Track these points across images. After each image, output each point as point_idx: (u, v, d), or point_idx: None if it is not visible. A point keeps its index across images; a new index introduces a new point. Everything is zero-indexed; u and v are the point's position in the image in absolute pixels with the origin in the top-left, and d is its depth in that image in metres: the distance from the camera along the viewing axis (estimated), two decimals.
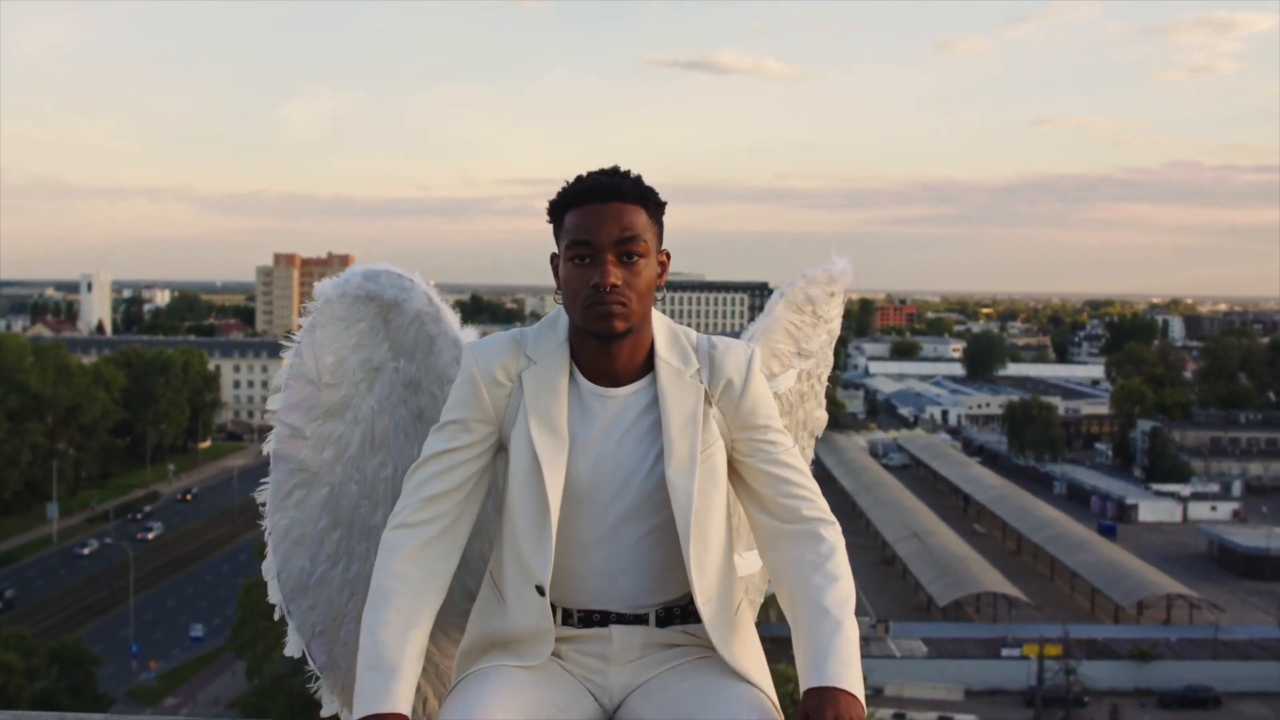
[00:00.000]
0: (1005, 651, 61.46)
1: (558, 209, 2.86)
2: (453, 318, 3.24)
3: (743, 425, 2.90)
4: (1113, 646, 62.48)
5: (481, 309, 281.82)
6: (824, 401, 3.80)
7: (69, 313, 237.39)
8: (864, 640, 50.85)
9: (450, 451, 2.86)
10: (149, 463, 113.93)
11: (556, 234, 2.88)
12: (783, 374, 3.56)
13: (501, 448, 2.92)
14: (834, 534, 2.88)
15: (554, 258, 2.91)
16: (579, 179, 2.84)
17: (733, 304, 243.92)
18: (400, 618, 2.77)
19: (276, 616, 3.40)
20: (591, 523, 2.85)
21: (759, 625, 3.34)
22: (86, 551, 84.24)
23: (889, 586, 77.10)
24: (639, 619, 2.91)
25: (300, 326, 3.26)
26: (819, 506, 2.89)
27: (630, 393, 2.88)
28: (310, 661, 3.43)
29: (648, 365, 2.89)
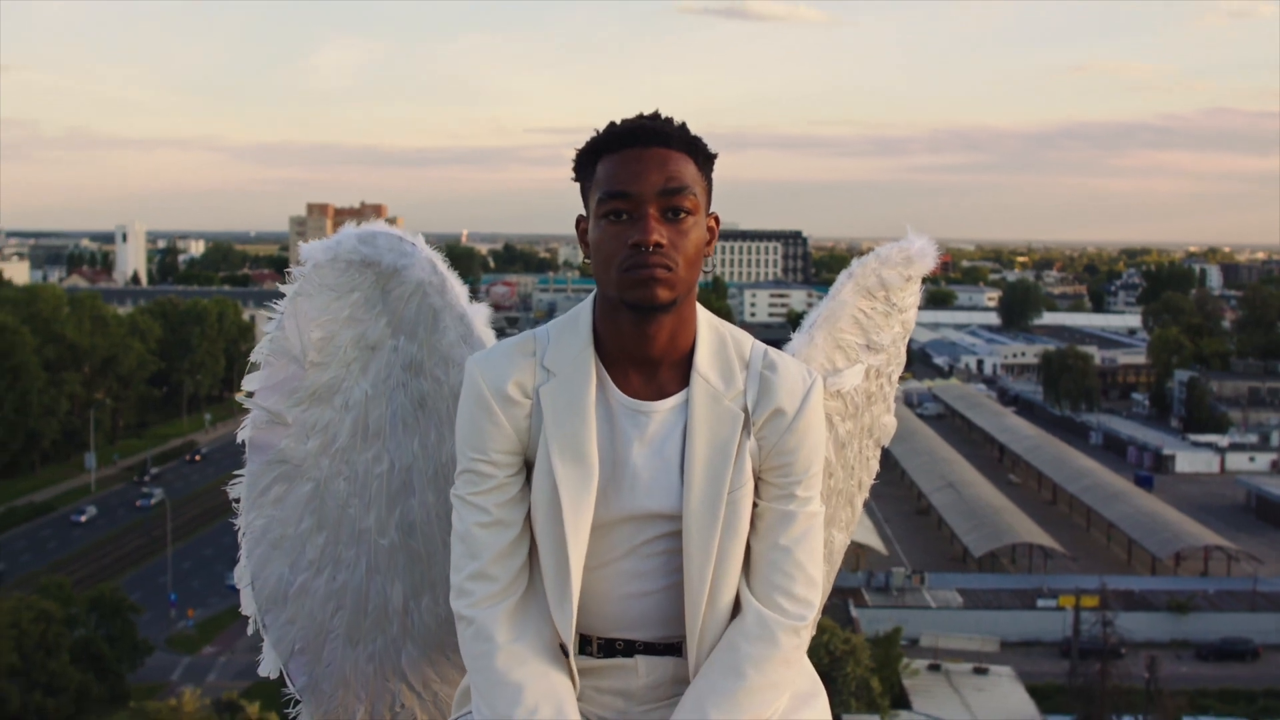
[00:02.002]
0: (1041, 603, 61.12)
1: (587, 159, 2.39)
2: (460, 289, 2.80)
3: (776, 466, 2.43)
4: (1149, 598, 62.01)
5: (515, 258, 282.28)
6: (893, 405, 3.27)
7: (105, 263, 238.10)
8: (899, 591, 50.95)
9: (488, 492, 2.41)
10: (185, 412, 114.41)
11: (585, 192, 2.41)
12: (848, 369, 3.05)
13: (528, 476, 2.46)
14: (790, 640, 2.40)
15: (581, 221, 2.45)
16: (613, 124, 2.37)
17: (765, 253, 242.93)
18: (547, 702, 2.32)
19: (250, 630, 2.98)
20: (615, 542, 2.42)
21: None
22: (83, 519, 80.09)
23: (924, 537, 76.79)
24: (670, 649, 2.47)
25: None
26: (799, 599, 2.41)
27: (669, 408, 2.41)
28: (289, 684, 3.02)
29: (689, 372, 2.43)
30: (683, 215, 2.33)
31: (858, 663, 43.16)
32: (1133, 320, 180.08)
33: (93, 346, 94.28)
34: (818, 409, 2.47)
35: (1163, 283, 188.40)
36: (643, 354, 2.40)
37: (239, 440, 2.89)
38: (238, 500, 2.93)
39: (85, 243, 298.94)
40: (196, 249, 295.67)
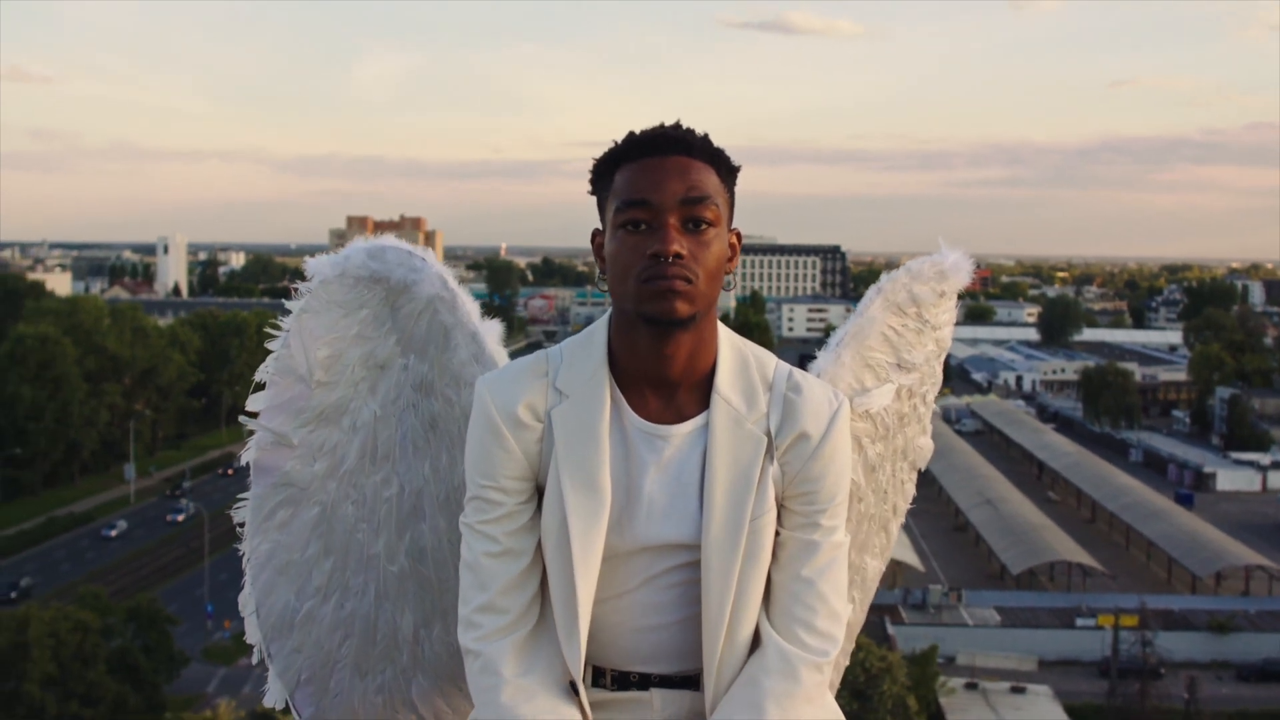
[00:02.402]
0: (1080, 621, 60.44)
1: (605, 169, 2.28)
2: (472, 306, 2.68)
3: (800, 493, 2.30)
4: (1190, 618, 61.27)
5: (553, 271, 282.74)
6: (929, 427, 3.09)
7: (146, 275, 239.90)
8: (936, 608, 50.67)
9: (497, 521, 2.29)
10: (225, 424, 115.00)
11: (601, 205, 2.30)
12: (877, 389, 2.89)
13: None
14: (812, 676, 2.26)
15: (597, 235, 2.33)
16: (632, 134, 2.27)
17: (804, 267, 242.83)
18: None
19: (255, 659, 2.88)
20: (631, 573, 2.30)
21: None
22: (114, 533, 78.63)
23: (961, 554, 76.31)
24: (687, 682, 2.34)
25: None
26: (822, 634, 2.28)
27: (687, 432, 2.29)
28: (295, 715, 2.91)
29: (709, 394, 2.29)
30: (704, 226, 2.22)
31: (894, 680, 42.88)
32: (1174, 337, 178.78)
33: (133, 358, 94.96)
34: (844, 433, 2.35)
35: (1204, 299, 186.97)
36: (660, 374, 2.28)
37: (243, 462, 2.80)
38: (242, 524, 2.84)
39: (127, 254, 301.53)
40: (237, 261, 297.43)
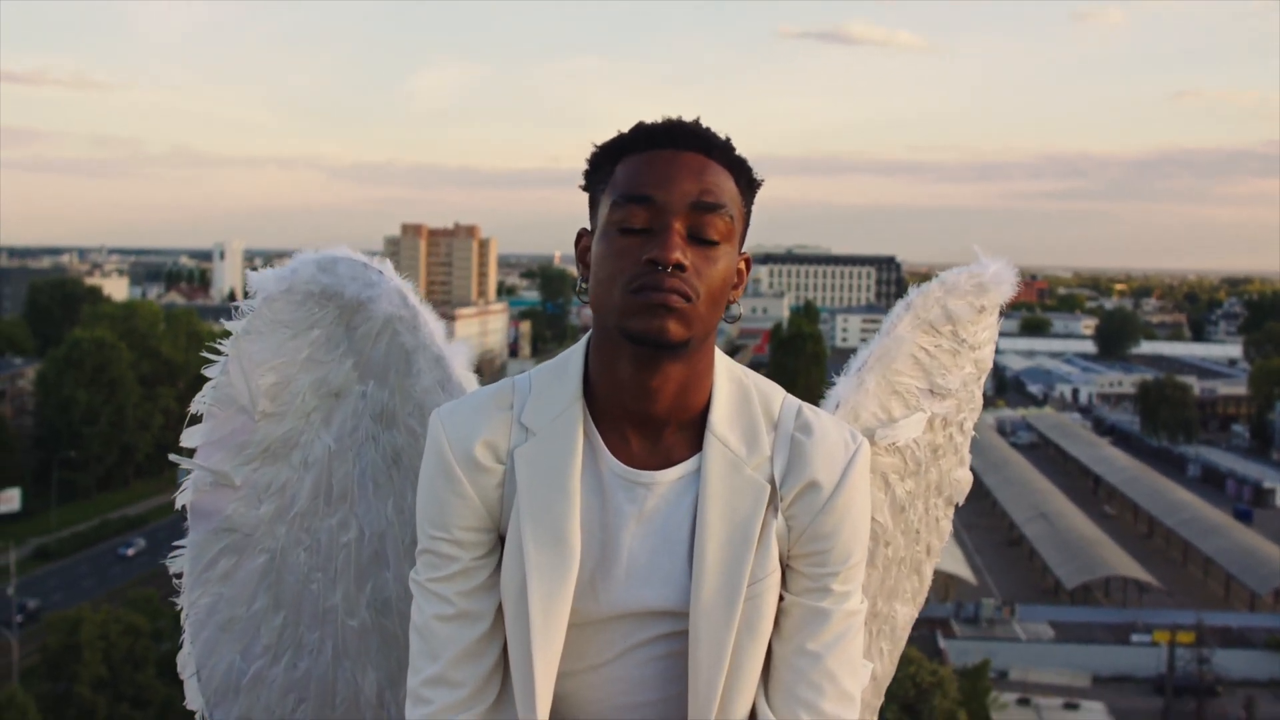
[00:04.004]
0: (1135, 637, 59.68)
1: (604, 159, 1.92)
2: (435, 325, 2.34)
3: (808, 553, 1.93)
4: (1248, 635, 60.44)
5: None
6: (967, 458, 2.68)
7: (202, 281, 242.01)
8: (989, 622, 50.07)
9: (450, 579, 1.94)
10: None
11: (594, 201, 1.93)
12: (906, 420, 2.48)
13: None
14: None
15: (583, 235, 1.96)
16: (641, 123, 1.90)
17: (859, 278, 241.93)
18: None
19: None
20: (608, 643, 1.95)
21: None
22: (131, 552, 76.16)
23: (1015, 568, 75.59)
24: None
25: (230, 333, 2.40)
26: (828, 717, 1.91)
27: (675, 479, 1.92)
28: None
29: (702, 434, 1.92)
30: (714, 239, 1.84)
31: (945, 695, 42.33)
32: (1233, 350, 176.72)
33: (187, 362, 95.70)
34: (862, 482, 1.96)
35: (1265, 312, 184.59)
36: (644, 410, 1.91)
37: (177, 506, 2.46)
38: (179, 576, 2.52)
39: (184, 260, 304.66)
40: None
